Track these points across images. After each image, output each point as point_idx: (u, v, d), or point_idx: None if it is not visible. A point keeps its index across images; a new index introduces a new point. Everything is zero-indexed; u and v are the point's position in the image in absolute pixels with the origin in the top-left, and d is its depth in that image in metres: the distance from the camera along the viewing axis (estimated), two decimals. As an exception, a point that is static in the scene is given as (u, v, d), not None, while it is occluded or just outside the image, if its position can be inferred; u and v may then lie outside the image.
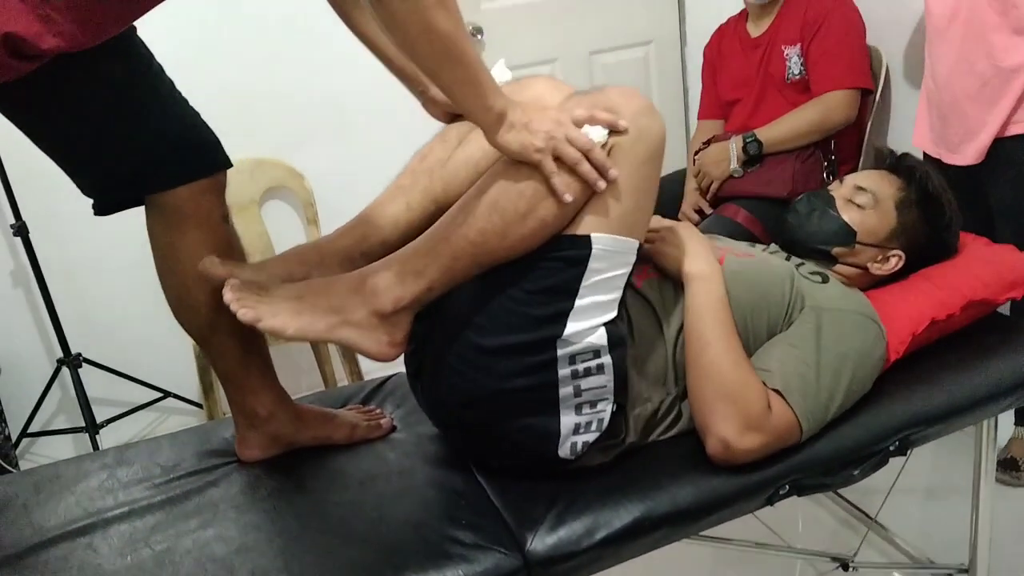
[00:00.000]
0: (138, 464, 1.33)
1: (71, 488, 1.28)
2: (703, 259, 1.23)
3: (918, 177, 1.43)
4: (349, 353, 2.49)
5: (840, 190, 1.46)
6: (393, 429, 1.38)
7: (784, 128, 2.27)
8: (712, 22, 2.65)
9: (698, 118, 2.67)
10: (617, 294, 1.11)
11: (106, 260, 2.61)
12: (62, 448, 2.70)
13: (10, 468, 2.38)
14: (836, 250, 1.41)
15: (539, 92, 1.21)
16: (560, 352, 1.08)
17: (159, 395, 2.67)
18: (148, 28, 1.16)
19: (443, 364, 1.14)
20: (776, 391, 1.15)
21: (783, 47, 2.33)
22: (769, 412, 1.13)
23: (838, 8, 2.27)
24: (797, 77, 2.31)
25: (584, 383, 1.10)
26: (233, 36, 2.51)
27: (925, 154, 1.96)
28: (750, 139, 2.25)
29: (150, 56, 1.16)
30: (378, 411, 1.42)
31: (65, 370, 2.49)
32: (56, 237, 2.51)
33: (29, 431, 2.56)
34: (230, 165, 1.23)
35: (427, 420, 1.38)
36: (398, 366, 1.65)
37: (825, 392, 1.17)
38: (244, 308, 1.04)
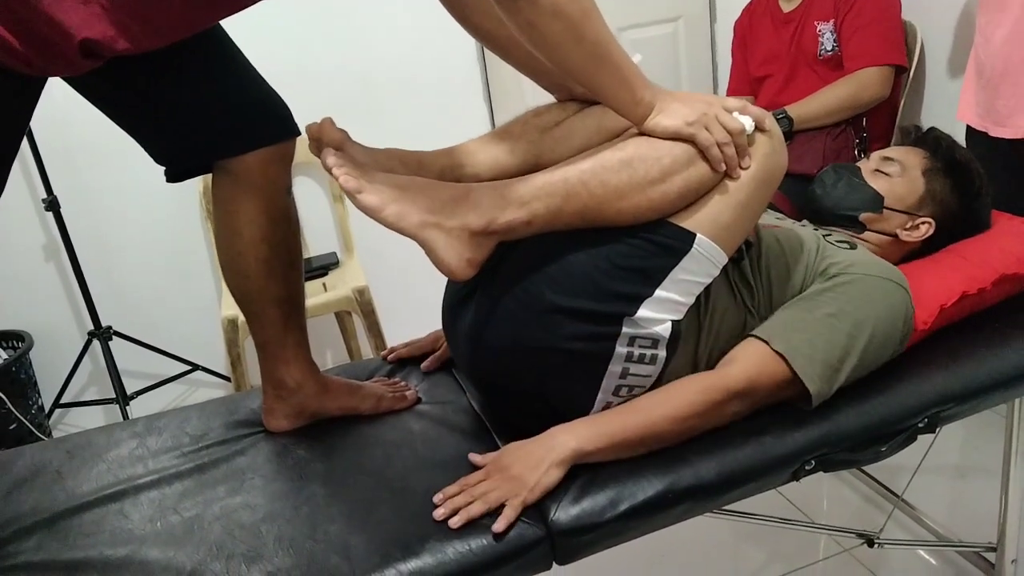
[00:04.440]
0: (167, 433, 1.35)
1: (103, 456, 1.31)
2: None
3: (944, 147, 1.43)
4: (374, 327, 2.50)
5: (867, 164, 1.46)
6: (418, 401, 1.39)
7: (815, 105, 2.24)
8: (742, -3, 2.62)
9: (727, 94, 2.64)
10: (690, 300, 1.11)
11: (136, 235, 2.64)
12: (93, 419, 2.75)
13: (43, 437, 2.43)
14: (864, 216, 1.40)
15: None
16: (625, 329, 1.08)
17: (188, 368, 2.71)
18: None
19: (503, 307, 1.12)
20: (779, 353, 1.13)
21: (816, 23, 2.30)
22: (743, 387, 1.13)
23: (873, -17, 2.23)
24: (830, 53, 2.28)
25: (633, 368, 1.10)
26: (259, 12, 2.52)
27: (969, 128, 1.92)
28: (780, 116, 2.23)
29: (218, 25, 1.17)
30: (403, 383, 1.43)
31: (96, 342, 2.53)
32: (87, 212, 2.55)
33: (61, 402, 2.61)
34: (298, 133, 1.25)
35: (452, 393, 1.40)
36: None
37: (837, 354, 1.15)
38: (347, 177, 1.01)
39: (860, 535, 1.52)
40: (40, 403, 2.56)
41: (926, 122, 2.42)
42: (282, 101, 1.25)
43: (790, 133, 2.23)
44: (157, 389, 2.66)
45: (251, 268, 1.25)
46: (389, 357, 1.53)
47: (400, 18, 2.71)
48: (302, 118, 1.24)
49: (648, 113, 1.08)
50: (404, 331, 2.81)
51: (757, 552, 1.85)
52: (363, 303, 2.48)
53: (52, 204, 2.37)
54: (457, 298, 1.22)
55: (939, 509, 1.83)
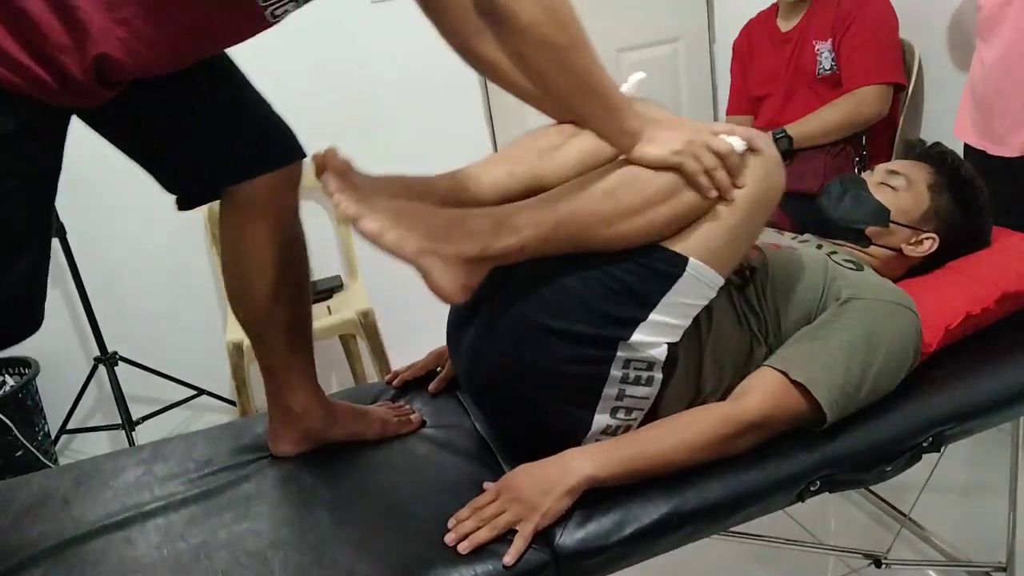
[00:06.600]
0: (173, 459, 1.35)
1: (109, 483, 1.31)
2: None
3: (950, 162, 1.43)
4: (379, 350, 2.51)
5: (872, 176, 1.46)
6: (423, 424, 1.39)
7: (815, 124, 2.25)
8: (741, 18, 2.64)
9: (727, 114, 2.65)
10: (686, 322, 1.11)
11: (142, 260, 2.66)
12: (99, 445, 2.75)
13: (49, 464, 2.43)
14: (870, 230, 1.40)
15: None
16: (619, 354, 1.08)
17: (193, 393, 2.71)
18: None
19: (502, 326, 1.13)
20: (799, 383, 1.13)
21: (814, 42, 2.32)
22: (758, 419, 1.13)
23: (871, 2, 2.25)
24: (828, 72, 2.29)
25: (629, 390, 1.11)
26: (262, 34, 2.55)
27: (967, 146, 1.93)
28: (780, 135, 2.24)
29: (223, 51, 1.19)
30: (408, 407, 1.43)
31: (102, 368, 2.54)
32: (93, 238, 2.56)
33: (67, 428, 2.61)
34: (304, 155, 1.26)
35: (456, 416, 1.40)
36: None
37: (854, 381, 1.15)
38: (348, 203, 1.02)
39: (867, 555, 1.52)
40: (46, 429, 2.56)
41: (925, 139, 2.43)
42: (283, 121, 1.26)
43: (790, 152, 2.24)
44: (163, 414, 2.66)
45: (257, 292, 1.26)
46: (394, 382, 1.53)
47: (401, 38, 2.73)
48: (303, 139, 1.25)
49: (635, 143, 1.08)
50: (408, 353, 2.82)
51: (764, 573, 1.84)
52: (367, 326, 2.49)
53: (58, 230, 2.38)
54: (462, 315, 1.23)
55: (947, 528, 1.82)
